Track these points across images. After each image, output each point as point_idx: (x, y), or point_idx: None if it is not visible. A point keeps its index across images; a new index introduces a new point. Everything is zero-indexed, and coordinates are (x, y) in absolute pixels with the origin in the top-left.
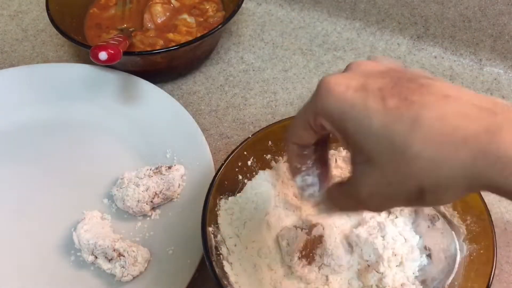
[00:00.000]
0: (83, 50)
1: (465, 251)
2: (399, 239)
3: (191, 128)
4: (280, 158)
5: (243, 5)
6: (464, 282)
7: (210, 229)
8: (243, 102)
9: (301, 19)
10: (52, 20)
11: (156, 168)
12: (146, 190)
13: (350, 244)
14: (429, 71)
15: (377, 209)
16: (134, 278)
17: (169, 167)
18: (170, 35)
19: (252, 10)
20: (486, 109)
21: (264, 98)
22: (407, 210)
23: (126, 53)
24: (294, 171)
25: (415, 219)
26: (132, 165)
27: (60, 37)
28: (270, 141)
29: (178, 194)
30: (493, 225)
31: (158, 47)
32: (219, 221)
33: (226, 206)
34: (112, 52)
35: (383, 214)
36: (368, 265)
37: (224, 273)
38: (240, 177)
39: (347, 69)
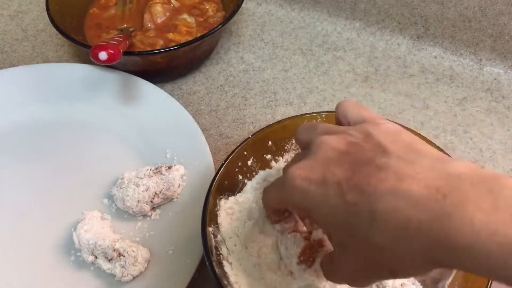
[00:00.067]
0: (83, 50)
1: None
2: None
3: (191, 128)
4: (280, 158)
5: (243, 5)
6: (464, 282)
7: (210, 229)
8: (243, 102)
9: (301, 19)
10: (52, 20)
11: (156, 168)
12: (146, 190)
13: None
14: (429, 71)
15: (359, 285)
16: (134, 278)
17: (169, 167)
18: (170, 35)
19: (252, 10)
20: (438, 191)
21: (264, 98)
22: None
23: (126, 53)
24: (274, 222)
25: None
26: (132, 165)
27: (60, 37)
28: (270, 141)
29: (178, 194)
30: None
31: (158, 47)
32: (219, 221)
33: (226, 206)
34: (112, 52)
35: None
36: None
37: (224, 273)
38: (240, 177)
39: (310, 147)
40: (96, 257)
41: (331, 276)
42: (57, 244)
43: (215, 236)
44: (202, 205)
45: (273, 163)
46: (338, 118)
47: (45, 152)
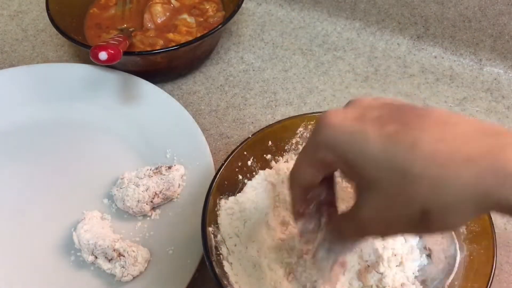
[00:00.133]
0: (83, 50)
1: (465, 251)
2: (399, 239)
3: (191, 128)
4: (280, 158)
5: (243, 5)
6: (464, 282)
7: (210, 229)
8: (243, 102)
9: (301, 19)
10: (52, 20)
11: (156, 168)
12: (146, 190)
13: None
14: (429, 71)
15: (380, 234)
16: (134, 278)
17: (169, 167)
18: (170, 35)
19: (252, 10)
20: (487, 132)
21: (264, 98)
22: None
23: (126, 53)
24: (297, 215)
25: None
26: (132, 165)
27: (60, 37)
28: (270, 141)
29: (178, 194)
30: (493, 225)
31: (158, 47)
32: (219, 221)
33: (226, 206)
34: (112, 52)
35: None
36: (368, 265)
37: (224, 273)
38: (240, 177)
39: (347, 105)
40: (96, 257)
41: (343, 230)
42: (57, 244)
43: (215, 236)
44: (202, 205)
45: (273, 163)
46: None
47: (45, 152)
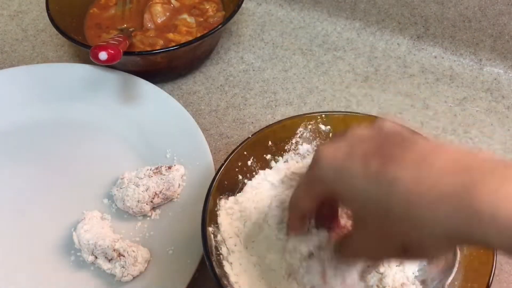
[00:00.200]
0: (83, 50)
1: (465, 251)
2: None
3: (191, 128)
4: (280, 158)
5: (243, 5)
6: (464, 282)
7: (210, 229)
8: (243, 102)
9: (301, 19)
10: (52, 20)
11: (156, 168)
12: (146, 190)
13: None
14: (429, 71)
15: (372, 259)
16: (134, 278)
17: (169, 167)
18: (170, 35)
19: (252, 10)
20: (463, 166)
21: (264, 98)
22: None
23: (126, 53)
24: (291, 230)
25: None
26: (132, 165)
27: (60, 37)
28: (270, 141)
29: (178, 194)
30: None
31: (158, 47)
32: (219, 221)
33: (226, 206)
34: (112, 52)
35: None
36: (368, 265)
37: (224, 273)
38: (240, 177)
39: (343, 137)
40: (96, 257)
41: (350, 254)
42: (57, 244)
43: (215, 236)
44: (202, 205)
45: (273, 163)
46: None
47: (45, 152)
